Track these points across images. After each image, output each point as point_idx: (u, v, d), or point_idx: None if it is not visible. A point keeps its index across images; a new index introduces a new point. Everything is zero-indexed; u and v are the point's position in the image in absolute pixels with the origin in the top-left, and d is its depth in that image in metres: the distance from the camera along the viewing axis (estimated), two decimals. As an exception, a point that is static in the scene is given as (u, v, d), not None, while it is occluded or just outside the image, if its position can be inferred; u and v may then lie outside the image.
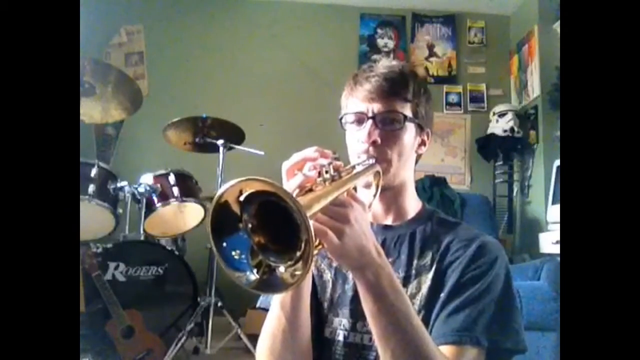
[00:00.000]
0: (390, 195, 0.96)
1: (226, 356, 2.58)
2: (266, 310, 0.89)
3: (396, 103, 0.92)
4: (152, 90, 3.89)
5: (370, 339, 0.85)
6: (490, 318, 0.80)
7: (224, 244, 0.62)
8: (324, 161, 0.74)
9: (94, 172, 2.45)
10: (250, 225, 0.62)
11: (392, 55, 4.16)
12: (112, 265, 2.37)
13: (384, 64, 0.94)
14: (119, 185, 2.54)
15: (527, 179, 3.79)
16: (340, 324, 0.90)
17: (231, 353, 2.61)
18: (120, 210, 2.60)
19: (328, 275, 0.96)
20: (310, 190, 0.69)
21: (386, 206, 0.97)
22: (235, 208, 0.61)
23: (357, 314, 0.87)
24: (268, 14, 4.12)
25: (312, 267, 0.79)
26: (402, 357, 0.72)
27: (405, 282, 0.88)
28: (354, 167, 0.85)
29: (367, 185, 0.90)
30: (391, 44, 4.19)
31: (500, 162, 3.84)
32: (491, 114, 3.88)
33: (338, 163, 0.76)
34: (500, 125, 3.76)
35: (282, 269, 0.61)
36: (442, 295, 0.84)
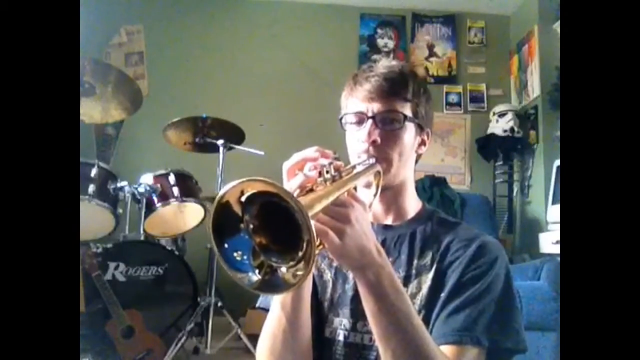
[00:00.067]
0: (391, 195, 0.96)
1: (226, 356, 2.58)
2: (266, 310, 0.89)
3: (396, 103, 0.92)
4: (152, 90, 3.89)
5: (371, 339, 0.85)
6: (491, 318, 0.80)
7: (226, 245, 0.62)
8: (325, 161, 0.74)
9: (94, 172, 2.45)
10: (251, 226, 0.62)
11: (392, 55, 4.16)
12: (112, 265, 2.37)
13: (384, 64, 0.95)
14: (119, 185, 2.54)
15: (527, 179, 3.79)
16: (341, 323, 0.90)
17: (231, 353, 2.61)
18: (120, 210, 2.60)
19: (328, 275, 0.96)
20: (311, 190, 0.69)
21: (386, 206, 0.97)
22: (237, 209, 0.61)
23: (357, 314, 0.87)
24: (268, 14, 4.12)
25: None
26: (403, 357, 0.72)
27: (406, 282, 0.88)
28: (354, 167, 0.85)
29: (368, 185, 0.90)
30: (391, 44, 4.19)
31: (500, 162, 3.84)
32: (491, 114, 3.88)
33: (338, 163, 0.76)
34: (500, 125, 3.76)
35: (283, 269, 0.61)
36: (443, 295, 0.84)
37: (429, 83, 3.98)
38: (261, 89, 3.96)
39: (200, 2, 4.13)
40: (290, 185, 0.71)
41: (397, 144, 0.92)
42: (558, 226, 3.07)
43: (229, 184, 0.59)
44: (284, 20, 4.14)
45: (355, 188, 0.78)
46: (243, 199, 0.60)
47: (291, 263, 0.60)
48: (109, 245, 2.45)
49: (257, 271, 0.62)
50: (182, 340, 2.31)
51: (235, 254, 0.62)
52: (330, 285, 0.95)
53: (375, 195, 0.90)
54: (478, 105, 4.12)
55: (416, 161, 1.00)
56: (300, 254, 0.59)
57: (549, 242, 3.04)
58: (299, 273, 0.60)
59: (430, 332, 0.79)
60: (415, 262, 0.90)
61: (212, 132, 2.77)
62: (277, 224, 0.61)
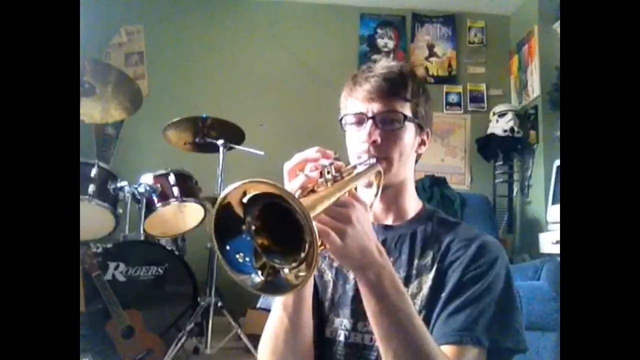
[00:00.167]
0: (391, 194, 0.96)
1: (226, 356, 2.58)
2: (267, 310, 0.89)
3: (396, 103, 0.92)
4: (152, 90, 3.89)
5: (371, 339, 0.85)
6: (491, 318, 0.81)
7: (228, 247, 0.62)
8: (326, 162, 0.73)
9: (94, 172, 2.45)
10: (253, 228, 0.62)
11: (392, 55, 4.16)
12: (112, 265, 2.37)
13: (383, 65, 0.95)
14: (119, 185, 2.54)
15: (527, 179, 3.79)
16: (341, 324, 0.90)
17: (231, 353, 2.61)
18: (120, 210, 2.60)
19: (329, 276, 0.96)
20: (313, 191, 0.69)
21: (386, 206, 0.98)
22: (239, 210, 0.61)
23: (358, 314, 0.87)
24: (268, 14, 4.12)
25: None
26: (403, 357, 0.72)
27: (406, 282, 0.88)
28: (355, 167, 0.85)
29: (369, 185, 0.91)
30: (391, 44, 4.19)
31: (500, 162, 3.84)
32: (491, 114, 3.89)
33: (339, 163, 0.76)
34: (500, 125, 3.76)
35: (286, 270, 0.61)
36: (443, 295, 0.84)
37: (429, 83, 3.99)
38: (261, 89, 3.96)
39: (200, 2, 4.13)
40: (292, 186, 0.71)
41: (398, 143, 0.92)
42: (558, 226, 3.08)
43: (231, 185, 0.59)
44: (284, 20, 4.14)
45: (355, 188, 0.78)
46: (245, 200, 0.60)
47: (293, 264, 0.60)
48: (109, 245, 2.45)
49: (259, 273, 0.62)
50: (182, 340, 2.31)
51: (237, 256, 0.62)
52: (330, 285, 0.95)
53: (376, 195, 0.90)
54: (478, 105, 4.12)
55: (416, 161, 1.00)
56: (302, 255, 0.59)
57: (549, 242, 3.04)
58: (302, 274, 0.60)
59: (431, 332, 0.79)
60: (415, 262, 0.90)
61: (212, 132, 2.77)
62: (278, 225, 0.61)
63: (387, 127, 0.91)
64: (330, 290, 0.94)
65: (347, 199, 0.69)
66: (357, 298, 0.85)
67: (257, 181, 0.57)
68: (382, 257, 0.72)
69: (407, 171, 0.96)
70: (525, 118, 3.81)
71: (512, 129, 3.71)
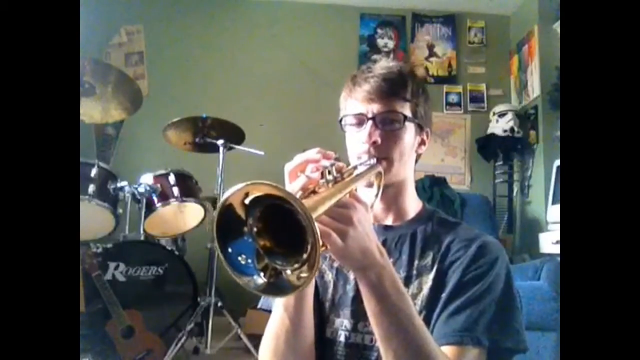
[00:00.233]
0: (391, 194, 0.96)
1: (226, 356, 2.58)
2: (267, 310, 0.89)
3: (395, 103, 0.92)
4: (152, 90, 3.89)
5: (372, 340, 0.85)
6: (491, 318, 0.81)
7: (230, 249, 0.62)
8: (326, 162, 0.74)
9: (94, 172, 2.45)
10: (255, 229, 0.62)
11: (392, 55, 4.16)
12: (112, 265, 2.37)
13: (382, 65, 0.95)
14: (119, 185, 2.54)
15: (527, 179, 3.79)
16: (342, 324, 0.90)
17: (231, 353, 2.61)
18: (120, 210, 2.61)
19: (329, 276, 0.96)
20: (314, 192, 0.69)
21: (386, 206, 0.98)
22: (240, 212, 0.61)
23: (358, 315, 0.87)
24: (268, 14, 4.12)
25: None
26: (404, 357, 0.72)
27: (407, 282, 0.88)
28: (355, 167, 0.85)
29: (369, 185, 0.91)
30: (391, 44, 4.19)
31: (500, 162, 3.84)
32: (491, 114, 3.89)
33: (340, 164, 0.76)
34: (500, 125, 3.76)
35: (288, 271, 0.61)
36: (444, 295, 0.84)
37: (429, 83, 3.99)
38: (261, 89, 3.96)
39: (200, 2, 4.13)
40: (293, 187, 0.71)
41: (398, 144, 0.92)
42: (558, 226, 3.08)
43: (233, 187, 0.59)
44: (284, 20, 4.14)
45: (356, 189, 0.78)
46: (247, 202, 0.60)
47: (295, 265, 0.60)
48: (109, 245, 2.45)
49: (262, 274, 0.62)
50: (182, 340, 2.30)
51: (239, 258, 0.62)
52: (331, 286, 0.95)
53: (377, 195, 0.90)
54: (478, 105, 4.12)
55: (416, 161, 1.00)
56: (304, 256, 0.59)
57: (549, 242, 3.04)
58: (304, 275, 0.60)
59: (431, 333, 0.79)
60: (416, 262, 0.90)
61: (212, 132, 2.77)
62: (280, 226, 0.61)
63: (387, 127, 0.91)
64: (330, 290, 0.94)
65: (348, 200, 0.69)
66: (357, 298, 0.85)
67: (259, 183, 0.57)
68: (382, 257, 0.72)
69: (407, 171, 0.97)
70: (525, 118, 3.82)
71: (512, 129, 3.71)
